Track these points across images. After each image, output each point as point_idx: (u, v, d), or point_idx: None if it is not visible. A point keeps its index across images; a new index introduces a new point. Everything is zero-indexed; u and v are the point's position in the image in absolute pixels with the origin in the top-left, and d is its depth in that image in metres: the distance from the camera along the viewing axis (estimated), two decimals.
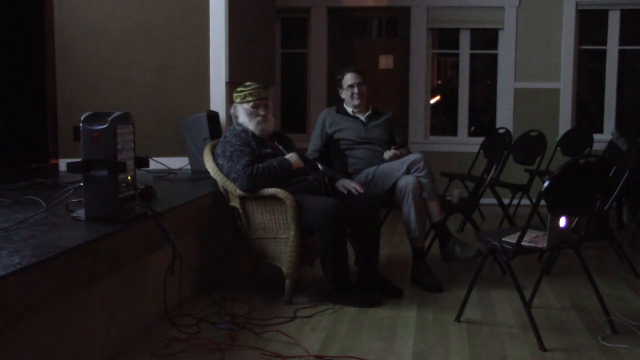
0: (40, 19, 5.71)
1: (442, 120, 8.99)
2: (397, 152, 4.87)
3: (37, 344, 2.63)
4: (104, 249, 3.03)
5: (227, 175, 4.21)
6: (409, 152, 4.99)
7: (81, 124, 3.25)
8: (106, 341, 3.19)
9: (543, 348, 3.47)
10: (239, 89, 4.37)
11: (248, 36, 6.13)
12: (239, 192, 4.13)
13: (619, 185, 4.06)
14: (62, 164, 5.36)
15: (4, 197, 3.92)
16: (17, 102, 5.39)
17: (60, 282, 2.69)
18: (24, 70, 5.55)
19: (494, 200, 6.20)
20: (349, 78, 5.00)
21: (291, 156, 4.30)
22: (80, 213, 3.33)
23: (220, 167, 4.26)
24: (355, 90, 4.97)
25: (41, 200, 3.67)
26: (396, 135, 5.17)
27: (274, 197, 4.09)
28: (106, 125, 3.23)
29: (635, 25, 8.23)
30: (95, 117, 3.27)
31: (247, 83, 4.40)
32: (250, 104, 4.31)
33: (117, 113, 3.30)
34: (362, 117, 5.04)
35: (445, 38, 8.81)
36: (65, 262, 2.70)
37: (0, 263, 2.45)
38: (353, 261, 4.54)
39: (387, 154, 4.83)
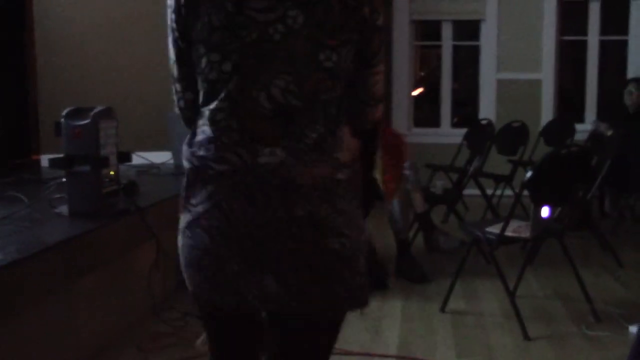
0: (20, 12, 5.65)
1: (425, 112, 9.00)
2: None
3: (22, 340, 2.62)
4: (88, 245, 3.02)
5: None
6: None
7: (63, 119, 3.23)
8: (92, 336, 3.19)
9: (527, 337, 3.50)
10: None
11: None
12: None
13: (601, 175, 4.09)
14: (44, 159, 5.32)
15: None
16: None
17: (45, 277, 2.68)
18: (2, 64, 5.50)
19: (477, 191, 6.22)
20: None
21: None
22: (64, 209, 3.31)
23: None
24: None
25: (23, 197, 3.64)
26: None
27: None
28: (88, 121, 3.21)
29: (616, 16, 8.28)
30: (77, 112, 3.25)
31: None
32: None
33: (99, 108, 3.28)
34: None
35: (427, 30, 8.82)
36: (49, 258, 2.69)
37: None
38: None
39: None
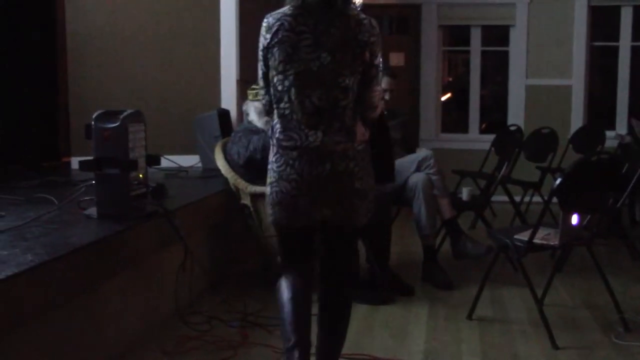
0: (51, 19, 5.72)
1: (453, 118, 8.97)
2: None
3: (49, 340, 2.65)
4: (116, 247, 3.04)
5: (244, 156, 4.17)
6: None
7: (93, 122, 3.26)
8: (117, 338, 3.21)
9: (555, 346, 3.46)
10: (254, 86, 4.36)
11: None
12: (249, 189, 4.13)
13: (632, 183, 4.04)
14: (74, 162, 5.38)
15: (17, 195, 3.94)
16: (28, 101, 5.41)
17: (72, 279, 2.70)
18: (35, 69, 5.57)
19: (505, 198, 6.19)
20: (384, 82, 4.68)
21: None
22: (92, 211, 3.34)
23: (238, 158, 4.22)
24: (387, 96, 4.79)
25: (53, 198, 3.68)
26: (406, 133, 5.17)
27: None
28: (118, 124, 3.23)
29: None
30: (107, 115, 3.28)
31: None
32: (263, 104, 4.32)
33: (128, 111, 3.31)
34: None
35: (456, 35, 8.79)
36: (77, 260, 2.71)
37: (13, 261, 2.47)
38: (364, 259, 4.54)
39: None
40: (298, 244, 2.79)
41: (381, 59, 2.63)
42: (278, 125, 2.61)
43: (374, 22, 2.58)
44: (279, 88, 2.57)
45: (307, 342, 2.73)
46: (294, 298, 2.75)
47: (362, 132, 2.62)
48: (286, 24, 2.53)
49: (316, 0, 2.51)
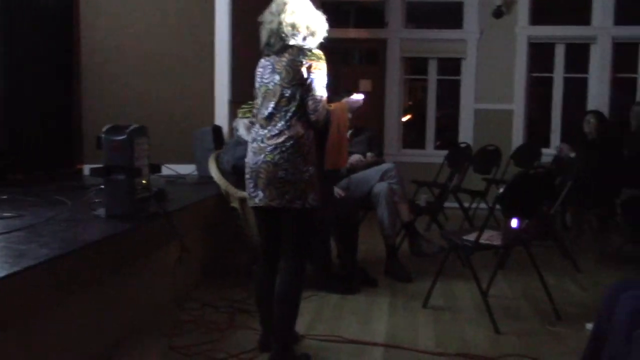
0: (67, 38, 5.65)
1: (413, 136, 8.99)
2: (360, 157, 4.90)
3: (62, 326, 2.61)
4: (122, 243, 3.01)
5: (231, 163, 4.14)
6: (378, 157, 5.01)
7: (103, 135, 3.24)
8: (123, 322, 3.17)
9: (498, 331, 3.48)
10: (243, 106, 4.37)
11: (250, 60, 6.10)
12: (238, 194, 4.11)
13: (563, 193, 4.08)
14: (86, 169, 5.32)
15: (35, 197, 3.89)
16: (48, 116, 5.35)
17: (84, 271, 2.67)
18: (54, 87, 5.50)
19: (456, 204, 6.21)
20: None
21: None
22: (101, 212, 3.31)
23: (227, 165, 4.20)
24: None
25: (67, 200, 3.63)
26: (374, 147, 5.17)
27: None
28: (125, 136, 3.21)
29: (578, 57, 8.29)
30: (116, 129, 3.26)
31: (251, 102, 4.39)
32: (250, 119, 4.31)
33: (134, 126, 3.29)
34: (347, 135, 5.00)
35: (415, 66, 8.83)
36: (87, 254, 2.68)
37: (31, 254, 2.43)
38: (336, 255, 4.53)
39: (354, 157, 4.84)
40: (261, 224, 2.99)
41: (324, 76, 2.85)
42: (252, 133, 2.95)
43: (315, 50, 2.86)
44: (258, 101, 2.96)
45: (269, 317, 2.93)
46: (257, 280, 3.05)
47: (297, 131, 2.79)
48: (260, 63, 2.98)
49: (277, 49, 2.87)
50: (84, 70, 5.57)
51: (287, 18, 2.83)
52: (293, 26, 2.83)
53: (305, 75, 2.80)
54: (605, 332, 2.47)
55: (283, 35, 2.83)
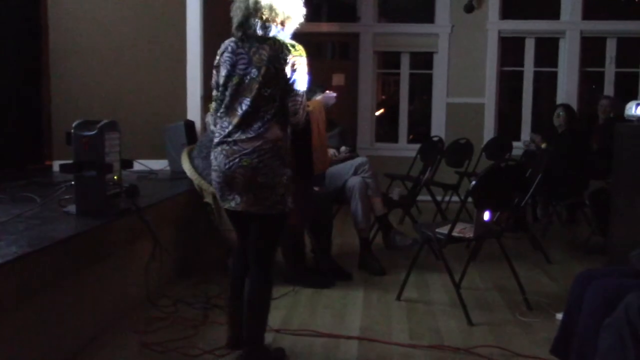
0: (35, 35, 5.55)
1: (386, 130, 9.02)
2: (335, 151, 4.92)
3: (34, 324, 2.57)
4: (93, 240, 2.97)
5: (202, 174, 4.15)
6: (351, 152, 5.03)
7: (73, 130, 3.18)
8: (94, 320, 3.13)
9: (470, 322, 3.51)
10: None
11: None
12: (211, 189, 4.08)
13: (533, 185, 4.12)
14: (56, 165, 5.23)
15: (2, 194, 3.81)
16: (15, 109, 5.25)
17: (54, 269, 2.62)
18: (21, 82, 5.40)
19: (429, 197, 6.25)
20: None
21: None
22: (72, 208, 3.26)
23: (196, 168, 4.21)
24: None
25: (36, 197, 3.57)
26: (347, 141, 5.18)
27: None
28: (95, 132, 3.16)
29: (548, 51, 8.38)
30: (86, 124, 3.20)
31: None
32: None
33: (104, 121, 3.24)
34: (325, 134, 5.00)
35: (388, 60, 8.84)
36: (58, 252, 2.64)
37: None
38: (310, 249, 4.53)
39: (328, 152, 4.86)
40: (235, 226, 2.87)
41: (305, 74, 2.67)
42: (217, 127, 2.74)
43: (298, 46, 2.66)
44: (221, 97, 2.72)
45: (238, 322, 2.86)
46: (232, 277, 2.96)
47: (275, 134, 2.62)
48: (229, 47, 2.71)
49: (253, 33, 2.65)
50: (53, 65, 5.47)
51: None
52: (271, 8, 2.61)
53: (289, 75, 2.60)
54: (575, 321, 2.51)
55: (263, 18, 2.60)
